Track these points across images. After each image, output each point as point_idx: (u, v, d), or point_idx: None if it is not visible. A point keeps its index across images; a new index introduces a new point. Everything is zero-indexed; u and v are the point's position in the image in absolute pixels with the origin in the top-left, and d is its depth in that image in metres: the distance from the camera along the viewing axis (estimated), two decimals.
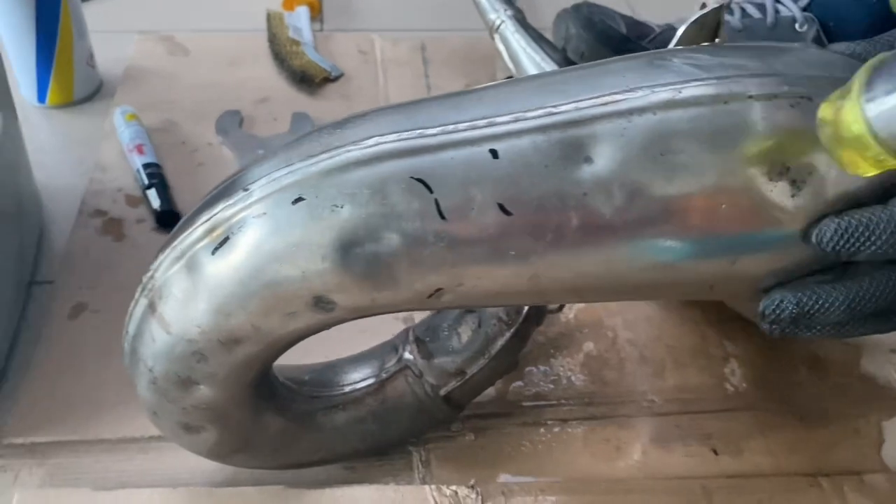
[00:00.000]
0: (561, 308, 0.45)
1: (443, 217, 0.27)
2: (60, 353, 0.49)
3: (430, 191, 0.27)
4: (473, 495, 0.42)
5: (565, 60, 0.63)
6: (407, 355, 0.42)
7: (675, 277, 0.29)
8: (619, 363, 0.51)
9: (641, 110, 0.28)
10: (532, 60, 0.64)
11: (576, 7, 0.60)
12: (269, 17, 0.77)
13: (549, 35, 0.66)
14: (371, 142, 0.28)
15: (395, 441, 0.44)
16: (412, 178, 0.27)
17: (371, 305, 0.29)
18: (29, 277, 0.53)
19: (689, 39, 0.33)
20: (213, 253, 0.29)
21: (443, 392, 0.42)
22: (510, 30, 0.66)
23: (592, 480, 0.44)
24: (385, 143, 0.28)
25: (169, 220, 0.57)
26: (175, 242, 0.30)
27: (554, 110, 0.28)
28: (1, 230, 0.49)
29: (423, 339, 0.42)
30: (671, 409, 0.49)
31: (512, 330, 0.42)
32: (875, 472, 0.45)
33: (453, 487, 0.42)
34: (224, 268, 0.29)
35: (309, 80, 0.70)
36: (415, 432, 0.44)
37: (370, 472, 0.44)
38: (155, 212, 0.56)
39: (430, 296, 0.29)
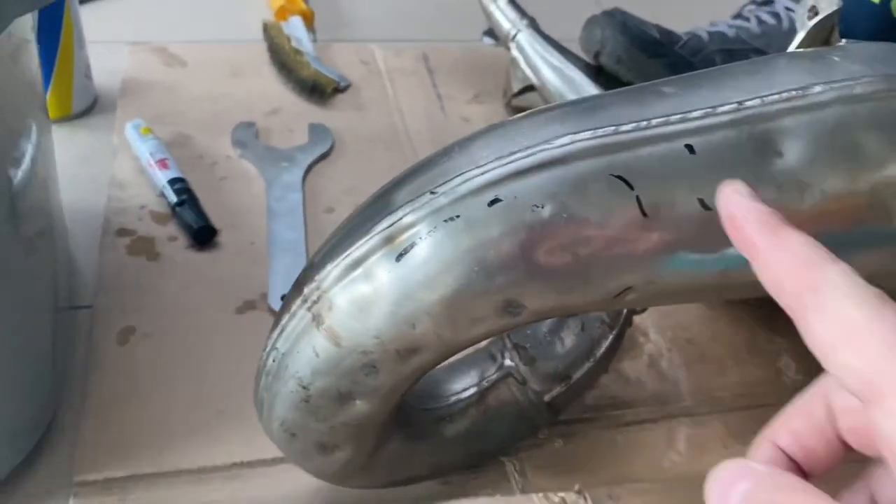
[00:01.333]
0: (645, 309, 0.46)
1: (644, 214, 0.27)
2: (116, 381, 0.46)
3: (631, 188, 0.27)
4: (582, 501, 0.41)
5: (587, 68, 0.64)
6: (508, 362, 0.41)
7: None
8: (683, 363, 0.52)
9: (823, 105, 0.28)
10: (553, 67, 0.65)
11: (608, 13, 0.61)
12: (267, 28, 0.75)
13: (569, 45, 0.67)
14: (565, 140, 0.27)
15: (494, 451, 0.43)
16: (612, 175, 0.27)
17: (559, 307, 0.29)
18: (67, 303, 0.49)
19: (810, 41, 0.34)
20: (397, 260, 0.28)
21: (547, 398, 0.41)
22: (527, 38, 0.66)
23: (689, 478, 0.44)
24: (580, 140, 0.27)
25: (206, 236, 0.54)
26: (346, 252, 0.29)
27: (741, 106, 0.28)
28: (40, 251, 0.46)
29: (524, 345, 0.42)
30: (739, 405, 0.50)
31: (615, 332, 0.42)
32: None
33: (561, 494, 0.41)
34: (409, 275, 0.28)
35: (320, 90, 0.69)
36: (513, 441, 0.44)
37: (467, 485, 0.43)
38: (191, 228, 0.54)
39: (618, 295, 0.29)
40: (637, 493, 0.42)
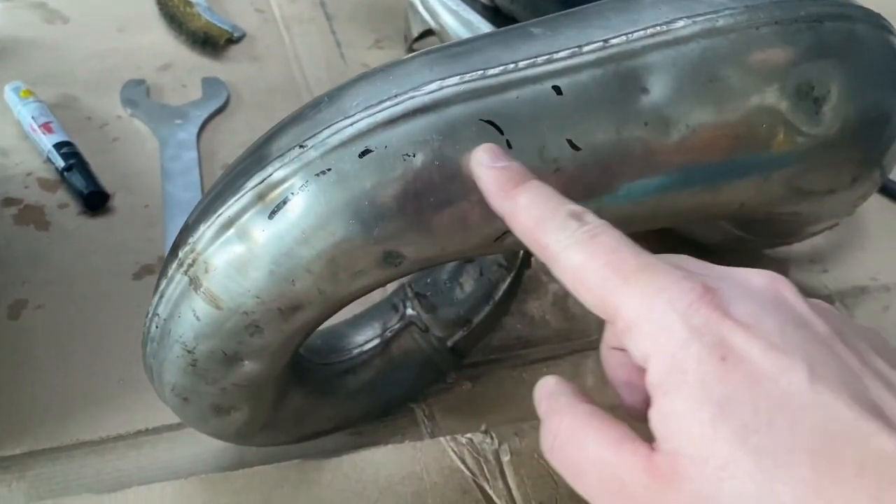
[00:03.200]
0: None
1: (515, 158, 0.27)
2: (9, 357, 0.44)
3: (501, 132, 0.27)
4: (489, 440, 0.42)
5: (484, 10, 0.64)
6: (409, 311, 0.41)
7: (717, 199, 0.31)
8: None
9: (687, 39, 0.29)
10: (450, 10, 0.64)
11: None
12: None
13: None
14: (434, 86, 0.27)
15: (402, 398, 0.44)
16: (481, 120, 0.27)
17: (440, 255, 0.29)
18: None
19: None
20: (269, 217, 0.27)
21: (450, 343, 0.42)
22: None
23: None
24: (449, 86, 0.27)
25: (98, 201, 0.52)
26: (219, 211, 0.28)
27: (606, 44, 0.28)
28: None
29: (424, 293, 0.42)
30: None
31: (513, 274, 0.42)
32: None
33: (468, 436, 0.42)
34: (285, 231, 0.27)
35: (213, 42, 0.66)
36: (420, 387, 0.44)
37: (377, 434, 0.43)
38: (81, 194, 0.52)
39: (497, 239, 0.29)
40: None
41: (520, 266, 0.42)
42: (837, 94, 0.31)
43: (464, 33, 0.63)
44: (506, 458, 0.42)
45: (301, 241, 0.27)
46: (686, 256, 0.24)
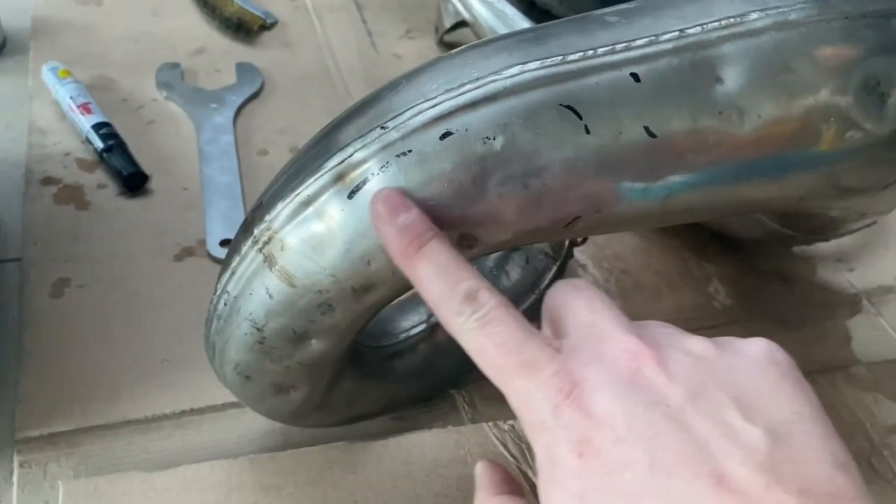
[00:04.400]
0: (585, 240, 0.47)
1: (593, 144, 0.28)
2: (53, 335, 0.44)
3: (580, 117, 0.27)
4: None
5: (518, 1, 0.64)
6: None
7: (781, 191, 0.31)
8: (620, 291, 0.53)
9: (760, 31, 0.29)
10: (484, 1, 0.64)
11: None
12: None
13: None
14: (514, 70, 0.27)
15: (445, 384, 0.44)
16: (561, 104, 0.27)
17: (511, 239, 0.29)
18: None
19: None
20: (349, 197, 0.28)
21: None
22: None
23: None
24: (529, 70, 0.27)
25: (137, 183, 0.52)
26: (298, 190, 0.28)
27: (682, 34, 0.29)
28: None
29: None
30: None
31: (558, 263, 0.43)
32: (855, 365, 0.51)
33: (510, 422, 0.43)
34: (363, 212, 0.27)
35: (246, 28, 0.67)
36: (464, 375, 0.44)
37: (419, 419, 0.44)
38: (121, 175, 0.52)
39: (567, 224, 0.29)
40: None
41: (565, 256, 0.43)
42: None
43: (497, 25, 0.63)
44: None
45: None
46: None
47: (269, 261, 0.29)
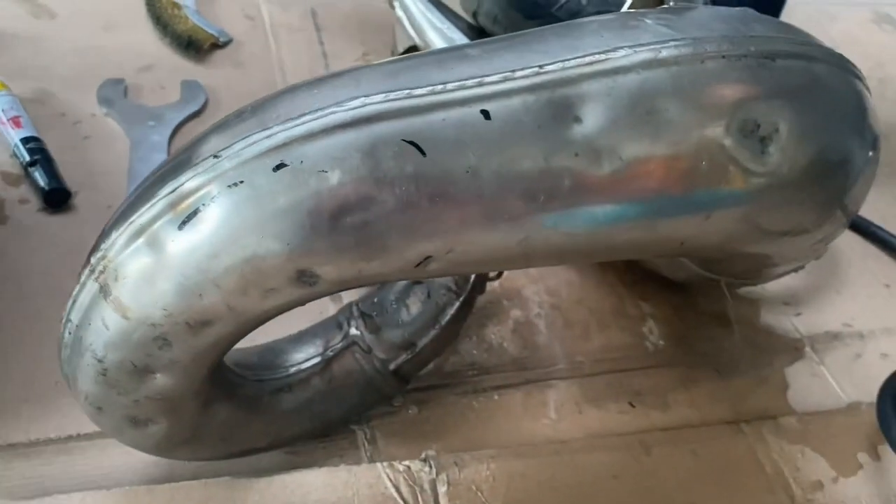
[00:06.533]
0: (500, 275, 0.45)
1: (437, 182, 0.26)
2: None
3: (423, 154, 0.26)
4: (427, 468, 0.41)
5: (469, 29, 0.63)
6: (353, 331, 0.40)
7: (654, 235, 0.30)
8: (546, 328, 0.52)
9: (626, 70, 0.28)
10: (435, 28, 0.63)
11: None
12: None
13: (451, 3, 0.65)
14: (357, 102, 0.26)
15: (341, 420, 0.43)
16: (403, 140, 0.26)
17: (357, 277, 0.28)
18: None
19: (642, 3, 0.33)
20: (179, 228, 0.26)
21: (392, 366, 0.41)
22: None
23: (540, 444, 0.44)
24: (372, 103, 0.26)
25: (59, 198, 0.51)
26: (131, 219, 0.27)
27: (541, 70, 0.27)
28: None
29: (370, 313, 0.41)
30: (600, 369, 0.50)
31: (461, 298, 0.41)
32: (786, 415, 0.49)
33: (406, 463, 0.41)
34: (194, 243, 0.26)
35: (196, 45, 0.66)
36: (361, 410, 0.43)
37: (314, 454, 0.42)
38: (42, 190, 0.51)
39: (419, 265, 0.28)
40: (482, 460, 0.42)
41: (470, 290, 0.41)
42: (788, 134, 0.30)
43: None
44: (442, 489, 0.41)
45: (210, 255, 0.26)
46: None
47: (105, 291, 0.28)
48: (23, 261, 0.49)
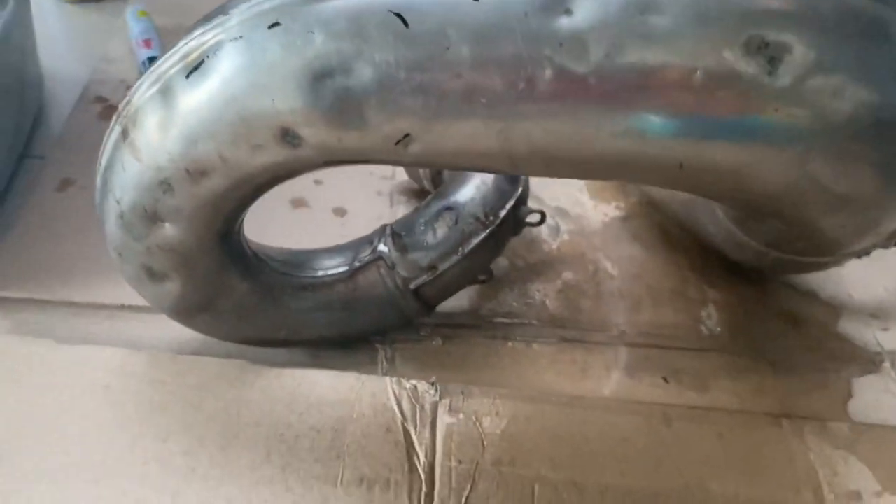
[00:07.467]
0: (542, 220, 0.45)
1: (415, 55, 0.27)
2: (43, 221, 0.49)
3: (407, 25, 0.27)
4: (432, 391, 0.42)
5: None
6: (381, 247, 0.42)
7: (645, 151, 0.29)
8: (595, 294, 0.51)
9: None
10: None
11: None
12: None
13: None
14: None
15: (361, 331, 0.44)
16: (390, 11, 0.27)
17: (338, 146, 0.29)
18: (21, 150, 0.53)
19: None
20: (186, 77, 0.29)
21: (413, 286, 0.42)
22: None
23: (553, 392, 0.44)
24: None
25: None
26: (153, 68, 0.30)
27: None
28: (2, 103, 0.50)
29: (400, 233, 0.42)
30: (642, 342, 0.48)
31: (488, 230, 0.41)
32: (838, 421, 0.45)
33: (413, 382, 0.42)
34: (196, 93, 0.29)
35: None
36: (382, 325, 0.44)
37: (334, 361, 0.44)
38: None
39: (398, 142, 0.29)
40: (490, 395, 0.42)
41: (500, 224, 0.42)
42: (806, 60, 0.28)
43: None
44: (442, 413, 0.41)
45: (208, 106, 0.29)
46: None
47: (125, 133, 0.31)
48: None
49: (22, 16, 0.53)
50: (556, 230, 0.54)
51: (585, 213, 0.56)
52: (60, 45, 0.63)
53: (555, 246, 0.53)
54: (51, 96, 0.59)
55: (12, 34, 0.51)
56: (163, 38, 0.63)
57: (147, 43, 0.61)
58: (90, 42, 0.65)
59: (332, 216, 0.53)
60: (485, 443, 0.40)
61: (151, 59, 0.59)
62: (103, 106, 0.58)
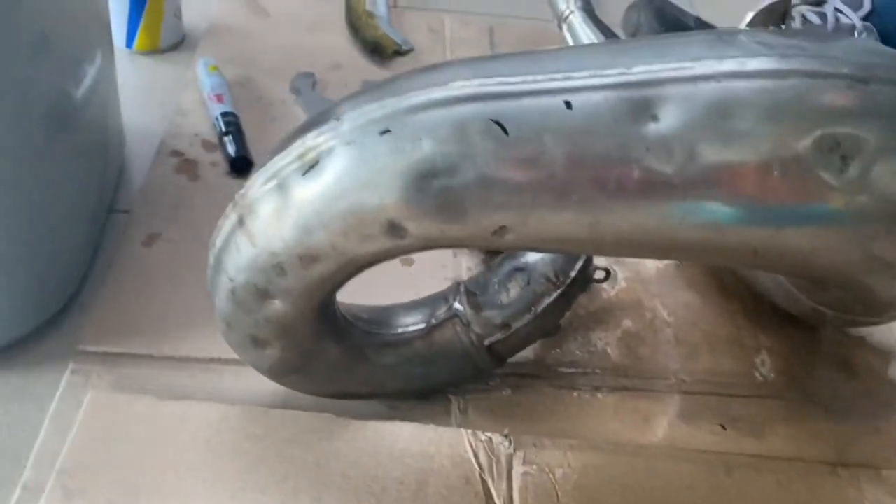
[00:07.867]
0: (607, 277, 0.47)
1: (516, 158, 0.30)
2: (134, 276, 0.52)
3: (506, 133, 0.30)
4: (506, 444, 0.44)
5: None
6: (457, 305, 0.45)
7: (723, 239, 0.32)
8: (654, 342, 0.53)
9: (707, 77, 0.30)
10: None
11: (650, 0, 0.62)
12: None
13: (616, 29, 0.68)
14: (456, 84, 0.31)
15: (437, 385, 0.47)
16: (491, 120, 0.30)
17: (440, 237, 0.32)
18: (108, 204, 0.57)
19: (758, 24, 0.35)
20: (303, 175, 0.32)
21: (487, 342, 0.44)
22: (578, 20, 0.68)
23: (621, 444, 0.46)
24: (468, 86, 0.31)
25: (242, 165, 0.60)
26: (269, 164, 0.33)
27: (627, 71, 0.30)
28: (90, 158, 0.53)
29: (473, 291, 0.45)
30: (700, 389, 0.51)
31: (559, 291, 0.44)
32: (893, 469, 0.47)
33: (488, 434, 0.44)
34: (312, 189, 0.32)
35: (381, 51, 0.74)
36: (457, 379, 0.47)
37: (411, 412, 0.47)
38: (229, 157, 0.60)
39: (495, 232, 0.31)
40: (562, 447, 0.45)
41: (570, 284, 0.44)
42: (873, 155, 0.30)
43: None
44: (517, 465, 0.44)
45: (323, 200, 0.32)
46: None
47: (241, 221, 0.34)
48: (205, 212, 0.57)
49: (107, 70, 0.56)
50: (613, 278, 0.56)
51: (641, 260, 0.58)
52: (133, 95, 0.66)
53: (613, 293, 0.56)
54: (130, 147, 0.62)
55: (99, 89, 0.54)
56: (232, 93, 0.66)
57: (219, 98, 0.64)
58: (161, 93, 0.68)
59: (400, 266, 0.55)
60: (559, 493, 0.43)
61: (224, 115, 0.63)
62: (180, 160, 0.61)
